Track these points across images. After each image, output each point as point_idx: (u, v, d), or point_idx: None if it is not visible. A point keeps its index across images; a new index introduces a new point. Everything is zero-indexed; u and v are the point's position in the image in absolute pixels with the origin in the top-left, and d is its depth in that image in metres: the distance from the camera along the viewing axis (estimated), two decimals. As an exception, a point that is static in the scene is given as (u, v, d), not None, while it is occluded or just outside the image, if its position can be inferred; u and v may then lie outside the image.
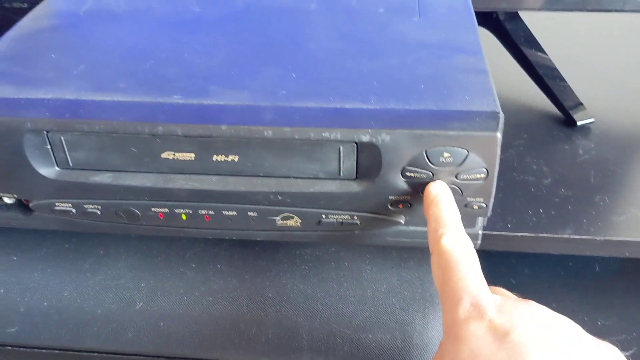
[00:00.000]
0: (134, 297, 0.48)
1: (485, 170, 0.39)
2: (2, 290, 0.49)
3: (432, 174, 0.39)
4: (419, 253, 0.51)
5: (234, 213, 0.43)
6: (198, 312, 0.47)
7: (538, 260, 0.57)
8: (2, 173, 0.42)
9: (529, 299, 0.37)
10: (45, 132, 0.41)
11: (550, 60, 0.62)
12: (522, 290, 0.57)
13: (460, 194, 0.41)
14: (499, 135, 0.38)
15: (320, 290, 0.48)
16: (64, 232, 0.53)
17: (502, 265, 0.57)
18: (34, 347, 0.48)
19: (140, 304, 0.48)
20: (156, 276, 0.50)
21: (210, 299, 0.48)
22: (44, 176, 0.42)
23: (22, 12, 0.69)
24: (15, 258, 0.52)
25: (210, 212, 0.43)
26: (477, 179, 0.40)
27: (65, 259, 0.52)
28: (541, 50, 0.62)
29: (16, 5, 0.65)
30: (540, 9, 0.60)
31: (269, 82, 0.43)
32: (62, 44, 0.49)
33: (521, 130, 0.59)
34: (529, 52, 0.62)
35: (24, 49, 0.48)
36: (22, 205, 0.46)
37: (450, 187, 0.40)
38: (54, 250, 0.52)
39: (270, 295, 0.48)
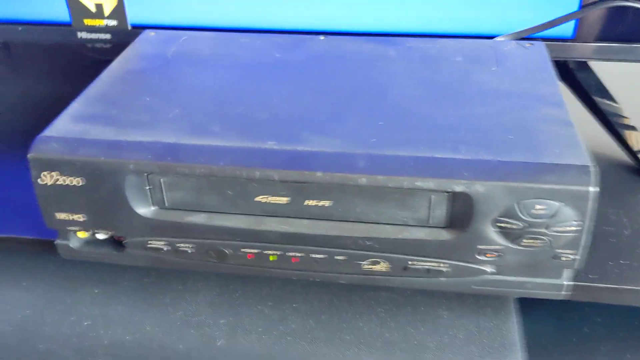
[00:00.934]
0: (214, 334, 0.49)
1: (577, 223, 0.40)
2: (87, 323, 0.51)
3: (524, 225, 0.40)
4: (496, 300, 0.51)
5: (322, 256, 0.44)
6: (278, 352, 0.48)
7: (611, 309, 0.57)
8: (100, 210, 0.44)
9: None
10: (146, 174, 0.43)
11: (620, 109, 0.63)
12: (595, 340, 0.57)
13: (549, 245, 0.41)
14: (593, 189, 0.39)
15: (398, 334, 0.48)
16: (144, 267, 0.55)
17: (575, 314, 0.57)
18: (115, 380, 0.50)
19: (221, 341, 0.49)
20: (235, 313, 0.51)
21: (289, 339, 0.49)
22: (140, 215, 0.44)
23: (105, 52, 0.73)
24: (97, 291, 0.54)
25: (299, 254, 0.44)
26: (568, 232, 0.40)
27: (146, 293, 0.53)
28: (611, 98, 0.63)
29: (98, 45, 0.68)
30: (610, 60, 0.61)
31: (358, 130, 0.44)
32: (154, 86, 0.51)
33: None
34: (599, 101, 0.62)
35: (118, 92, 0.51)
36: (114, 242, 0.48)
37: (540, 239, 0.41)
38: (135, 284, 0.54)
39: (348, 338, 0.48)
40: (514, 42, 0.57)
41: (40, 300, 0.53)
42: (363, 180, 0.40)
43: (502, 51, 0.56)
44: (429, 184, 0.39)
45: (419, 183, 0.40)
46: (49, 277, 0.55)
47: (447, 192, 0.40)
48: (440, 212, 0.41)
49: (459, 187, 0.39)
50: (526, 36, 0.59)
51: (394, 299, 0.52)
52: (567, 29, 0.60)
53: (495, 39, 0.59)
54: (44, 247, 0.52)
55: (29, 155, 0.43)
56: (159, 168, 0.42)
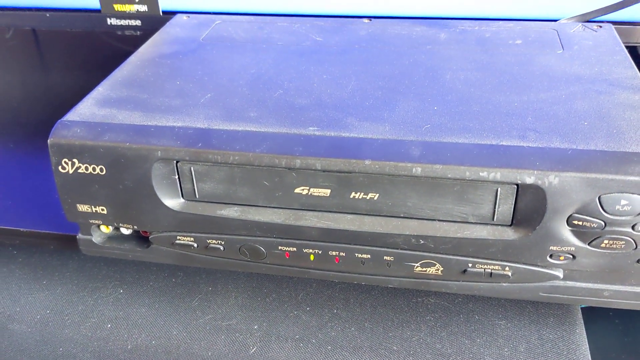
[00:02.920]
0: (246, 340, 0.45)
1: (669, 222, 0.34)
2: (109, 325, 0.47)
3: (605, 223, 0.35)
4: (559, 309, 0.45)
5: (368, 256, 0.39)
6: (316, 362, 0.43)
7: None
8: (125, 202, 0.41)
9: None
10: (175, 162, 0.39)
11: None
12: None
13: (634, 247, 0.35)
14: (690, 182, 0.33)
15: (451, 346, 0.43)
16: (170, 266, 0.51)
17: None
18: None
19: (254, 349, 0.44)
20: (269, 318, 0.46)
21: (329, 347, 0.44)
22: (168, 207, 0.40)
23: (134, 40, 0.70)
24: (121, 291, 0.50)
25: (342, 253, 0.40)
26: (657, 232, 0.35)
27: (172, 295, 0.49)
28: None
29: (128, 33, 0.65)
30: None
31: (409, 115, 0.39)
32: (186, 70, 0.47)
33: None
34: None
35: (147, 75, 0.47)
36: (139, 237, 0.44)
37: (622, 240, 0.35)
38: (161, 284, 0.50)
39: (395, 348, 0.43)
40: (579, 24, 0.52)
41: (60, 300, 0.49)
42: (417, 169, 0.35)
43: (567, 34, 0.50)
44: (495, 174, 0.34)
45: (484, 174, 0.34)
46: (69, 276, 0.51)
47: (516, 184, 0.35)
48: (506, 207, 0.36)
49: (529, 179, 0.34)
50: (592, 19, 0.54)
51: (444, 306, 0.46)
52: (637, 11, 0.54)
53: (558, 21, 0.54)
54: (64, 242, 0.48)
55: (49, 141, 0.40)
56: (189, 155, 0.38)
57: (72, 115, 0.41)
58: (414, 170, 0.35)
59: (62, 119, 0.41)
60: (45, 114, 0.63)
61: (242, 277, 0.50)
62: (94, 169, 0.40)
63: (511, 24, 0.53)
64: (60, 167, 0.40)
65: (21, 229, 0.48)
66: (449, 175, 0.35)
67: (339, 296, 0.48)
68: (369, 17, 0.56)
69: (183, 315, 0.47)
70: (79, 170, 0.40)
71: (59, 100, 0.66)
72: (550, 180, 0.34)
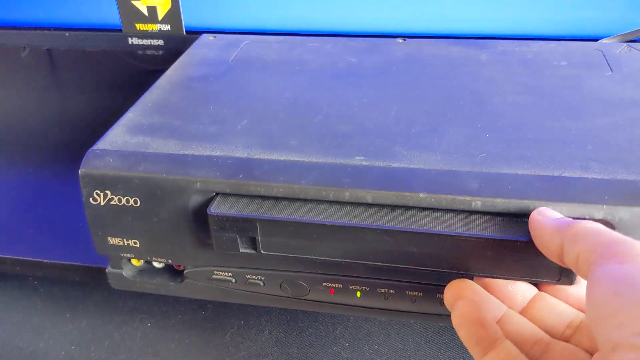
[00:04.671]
0: (284, 379, 0.43)
1: None
2: (138, 362, 0.44)
3: (680, 261, 0.32)
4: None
5: (420, 294, 0.37)
6: (360, 404, 0.41)
7: None
8: (159, 235, 0.38)
9: None
10: (214, 193, 0.37)
11: None
12: None
13: None
14: None
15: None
16: (198, 299, 0.49)
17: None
18: None
19: (292, 389, 0.42)
20: (306, 355, 0.44)
21: (372, 387, 0.42)
22: (206, 241, 0.38)
23: (156, 59, 0.68)
24: (149, 325, 0.47)
25: (391, 291, 0.37)
26: None
27: (203, 329, 0.47)
28: None
29: (150, 52, 0.63)
30: None
31: (461, 143, 0.37)
32: (218, 94, 0.45)
33: None
34: None
35: (179, 100, 0.45)
36: (172, 271, 0.42)
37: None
38: (189, 317, 0.48)
39: (442, 388, 0.41)
40: (624, 44, 0.50)
41: (85, 334, 0.46)
42: (477, 203, 0.33)
43: (613, 54, 0.48)
44: (562, 209, 0.32)
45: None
46: (94, 309, 0.49)
47: (584, 219, 0.33)
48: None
49: (598, 214, 0.32)
50: (635, 39, 0.52)
51: (491, 342, 0.44)
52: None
53: (601, 41, 0.52)
54: (89, 274, 0.46)
55: (80, 171, 0.37)
56: (230, 187, 0.36)
57: (103, 144, 0.39)
58: (473, 204, 0.33)
59: (93, 148, 0.39)
60: (65, 136, 0.61)
61: (274, 310, 0.48)
62: (127, 201, 0.38)
63: (552, 44, 0.51)
64: (91, 199, 0.38)
65: (44, 260, 0.46)
66: (512, 210, 0.33)
67: (378, 331, 0.46)
68: (403, 37, 0.54)
69: (215, 351, 0.45)
70: (112, 202, 0.38)
71: (78, 122, 0.64)
72: (621, 215, 0.32)
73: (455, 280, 0.34)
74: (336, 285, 0.38)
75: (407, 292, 0.37)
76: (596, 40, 0.53)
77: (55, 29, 0.64)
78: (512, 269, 0.32)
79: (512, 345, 0.31)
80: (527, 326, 0.33)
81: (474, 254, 0.32)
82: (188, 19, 0.60)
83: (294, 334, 0.46)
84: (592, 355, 0.30)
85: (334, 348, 0.45)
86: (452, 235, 0.32)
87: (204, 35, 0.57)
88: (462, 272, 0.33)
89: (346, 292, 0.38)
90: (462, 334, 0.31)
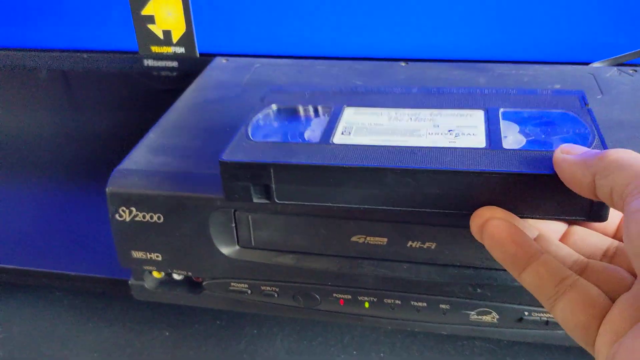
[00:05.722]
0: (295, 385, 0.45)
1: None
2: (158, 369, 0.47)
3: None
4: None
5: (424, 304, 0.40)
6: (368, 408, 0.43)
7: None
8: (180, 249, 0.41)
9: None
10: (233, 211, 0.39)
11: None
12: None
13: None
14: None
15: (502, 391, 0.44)
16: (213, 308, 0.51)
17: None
18: None
19: (304, 394, 0.45)
20: (317, 362, 0.47)
21: (379, 392, 0.44)
22: (224, 254, 0.41)
23: (170, 80, 0.71)
24: (167, 333, 0.50)
25: (397, 301, 0.40)
26: None
27: (219, 337, 0.49)
28: None
29: (164, 74, 0.66)
30: None
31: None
32: (233, 116, 0.48)
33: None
34: None
35: (196, 121, 0.48)
36: (191, 283, 0.44)
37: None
38: (206, 327, 0.50)
39: (446, 393, 0.44)
40: (615, 68, 0.53)
41: (107, 342, 0.49)
42: (477, 220, 0.36)
43: (604, 78, 0.51)
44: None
45: (542, 224, 0.35)
46: (114, 318, 0.51)
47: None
48: (563, 257, 0.36)
49: (588, 230, 0.35)
50: (625, 62, 0.55)
51: (491, 350, 0.47)
52: (670, 54, 0.55)
53: (592, 64, 0.55)
54: (112, 286, 0.49)
55: (107, 190, 0.40)
56: (247, 204, 0.39)
57: (128, 163, 0.42)
58: (472, 220, 0.36)
59: (118, 167, 0.42)
60: (84, 153, 0.64)
61: (286, 320, 0.50)
62: (151, 217, 0.40)
63: (547, 67, 0.54)
64: (117, 215, 0.41)
65: (70, 273, 0.49)
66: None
67: (385, 340, 0.48)
68: (405, 60, 0.57)
69: (230, 359, 0.47)
70: (136, 218, 0.41)
71: (97, 139, 0.67)
72: (609, 231, 0.34)
73: (482, 208, 0.32)
74: (346, 296, 0.41)
75: (412, 302, 0.40)
76: (588, 63, 0.56)
77: (74, 51, 0.67)
78: (539, 207, 0.32)
79: (552, 258, 0.29)
80: (564, 248, 0.32)
81: (497, 191, 0.32)
82: (201, 42, 0.63)
83: (305, 342, 0.48)
84: (634, 276, 0.28)
85: (343, 356, 0.47)
86: (474, 172, 0.31)
87: (217, 58, 0.60)
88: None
89: (355, 303, 0.41)
90: (497, 252, 0.30)
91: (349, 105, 0.40)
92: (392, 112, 0.39)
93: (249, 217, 0.39)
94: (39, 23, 0.67)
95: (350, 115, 0.39)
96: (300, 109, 0.41)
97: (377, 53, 0.60)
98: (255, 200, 0.35)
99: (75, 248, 0.53)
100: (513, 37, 0.57)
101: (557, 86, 0.50)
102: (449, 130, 0.37)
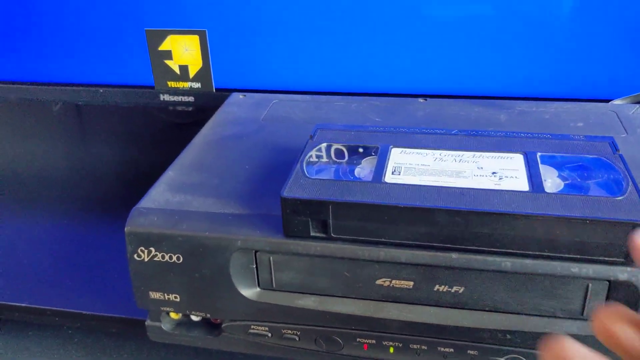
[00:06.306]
0: None
1: None
2: (172, 413, 0.46)
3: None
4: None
5: (451, 350, 0.38)
6: None
7: None
8: (199, 290, 0.40)
9: None
10: (254, 252, 0.39)
11: None
12: None
13: None
14: None
15: None
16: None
17: None
18: None
19: None
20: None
21: None
22: (244, 296, 0.40)
23: (186, 115, 0.71)
24: (182, 375, 0.49)
25: (423, 347, 0.39)
26: None
27: (234, 380, 0.48)
28: None
29: (180, 108, 0.66)
30: None
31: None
32: (252, 153, 0.48)
33: None
34: None
35: (215, 159, 0.47)
36: (209, 324, 0.43)
37: None
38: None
39: None
40: (637, 106, 0.52)
41: (120, 385, 0.48)
42: (507, 264, 0.35)
43: (627, 116, 0.51)
44: (587, 270, 0.34)
45: (575, 269, 0.34)
46: (128, 358, 0.50)
47: (608, 280, 0.34)
48: (597, 303, 0.35)
49: (622, 275, 0.34)
50: (647, 99, 0.55)
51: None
52: (691, 91, 0.55)
53: (613, 102, 0.55)
54: (127, 326, 0.47)
55: (126, 229, 0.40)
56: (269, 245, 0.38)
57: (147, 202, 0.41)
58: (502, 265, 0.35)
59: (137, 206, 0.41)
60: (98, 189, 0.64)
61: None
62: (170, 257, 0.40)
63: (568, 104, 0.53)
64: (135, 255, 0.40)
65: (84, 312, 0.47)
66: (539, 271, 0.35)
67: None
68: (424, 96, 0.57)
69: (247, 404, 0.46)
70: (155, 259, 0.40)
71: (112, 174, 0.67)
72: (645, 277, 0.33)
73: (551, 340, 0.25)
74: (370, 341, 0.39)
75: (438, 348, 0.38)
76: (609, 100, 0.55)
77: (89, 85, 0.67)
78: (581, 249, 0.33)
79: None
80: None
81: (542, 232, 0.33)
82: (217, 77, 0.63)
83: (324, 386, 0.47)
84: None
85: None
86: (522, 215, 0.33)
87: (235, 94, 0.60)
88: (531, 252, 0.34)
89: (379, 348, 0.40)
90: None
91: (395, 145, 0.42)
92: (437, 153, 0.41)
93: (270, 258, 0.38)
94: (53, 57, 0.68)
95: (397, 155, 0.41)
96: (349, 148, 0.42)
97: (395, 88, 0.59)
98: (312, 234, 0.37)
99: (89, 286, 0.52)
100: (532, 73, 0.57)
101: (580, 124, 0.50)
102: (493, 173, 0.38)
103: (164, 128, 0.69)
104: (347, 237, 0.37)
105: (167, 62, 0.63)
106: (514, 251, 0.35)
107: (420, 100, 0.56)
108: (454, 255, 0.35)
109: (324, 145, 0.43)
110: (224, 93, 0.63)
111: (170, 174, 0.45)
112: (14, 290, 0.51)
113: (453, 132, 0.43)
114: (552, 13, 0.55)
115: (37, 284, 0.52)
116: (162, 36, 0.62)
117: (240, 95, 0.60)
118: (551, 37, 0.55)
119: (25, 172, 0.71)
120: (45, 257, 0.56)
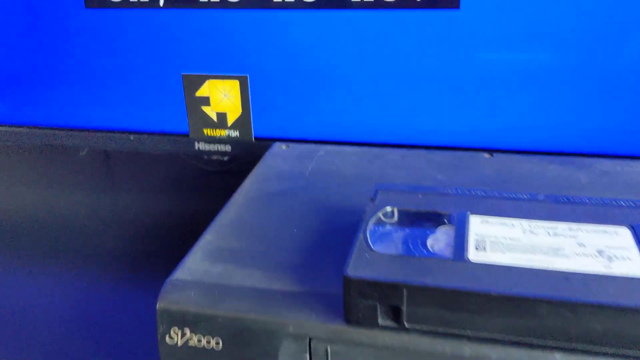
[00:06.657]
0: None
1: None
2: None
3: None
4: None
5: None
6: None
7: None
8: (239, 382, 0.34)
9: None
10: (308, 339, 0.32)
11: None
12: None
13: None
14: None
15: None
16: None
17: None
18: None
19: None
20: None
21: None
22: (296, 392, 0.33)
23: (222, 164, 0.66)
24: None
25: None
26: None
27: None
28: None
29: (216, 157, 0.61)
30: None
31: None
32: (300, 214, 0.42)
33: None
34: None
35: (259, 220, 0.42)
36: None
37: None
38: None
39: None
40: None
41: None
42: (626, 369, 0.28)
43: None
44: None
45: None
46: None
47: None
48: None
49: None
50: None
51: None
52: None
53: None
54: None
55: (158, 306, 0.34)
56: (327, 333, 0.32)
57: (182, 273, 0.36)
58: None
59: (171, 278, 0.35)
60: (124, 244, 0.59)
61: None
62: (208, 342, 0.33)
63: (658, 163, 0.47)
64: (167, 337, 0.34)
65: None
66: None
67: None
68: (489, 151, 0.51)
69: None
70: (190, 343, 0.34)
71: (141, 225, 0.62)
72: None
73: None
74: None
75: None
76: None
77: (119, 131, 0.63)
78: None
79: None
80: None
81: None
82: (256, 125, 0.59)
83: None
84: None
85: None
86: None
87: (277, 144, 0.55)
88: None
89: None
90: None
91: (473, 212, 0.35)
92: (525, 223, 0.34)
93: (328, 348, 0.32)
94: (81, 101, 0.64)
95: (478, 226, 0.34)
96: (418, 213, 0.36)
97: (454, 141, 0.54)
98: (381, 322, 0.31)
99: (108, 354, 0.46)
100: (612, 127, 0.51)
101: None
102: (598, 251, 0.31)
103: (197, 176, 0.64)
104: (424, 327, 0.30)
105: (204, 108, 0.59)
106: (634, 353, 0.28)
107: (486, 155, 0.51)
108: (558, 355, 0.29)
109: (388, 209, 0.37)
110: (262, 142, 0.58)
111: (208, 238, 0.39)
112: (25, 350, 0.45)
113: (539, 197, 0.37)
114: (634, 60, 0.49)
115: (53, 344, 0.47)
116: (200, 81, 0.57)
117: (283, 146, 0.54)
118: (635, 87, 0.49)
119: (46, 222, 0.67)
120: (64, 316, 0.50)
